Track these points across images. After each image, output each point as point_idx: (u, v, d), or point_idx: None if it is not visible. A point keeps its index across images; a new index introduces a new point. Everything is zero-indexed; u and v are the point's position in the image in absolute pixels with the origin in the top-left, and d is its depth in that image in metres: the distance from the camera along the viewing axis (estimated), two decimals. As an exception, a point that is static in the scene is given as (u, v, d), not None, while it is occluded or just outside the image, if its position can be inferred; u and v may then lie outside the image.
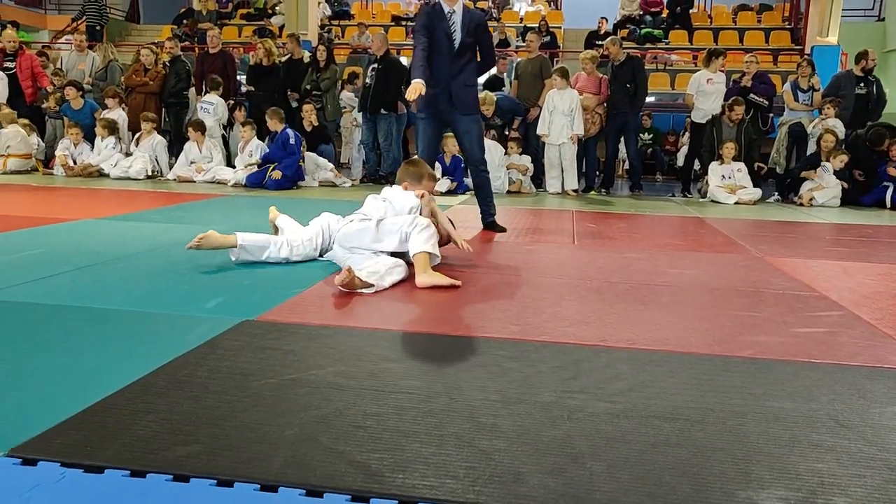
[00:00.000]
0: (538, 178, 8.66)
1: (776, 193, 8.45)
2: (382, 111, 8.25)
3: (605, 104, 8.22)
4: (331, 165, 8.40)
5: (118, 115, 8.75)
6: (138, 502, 1.33)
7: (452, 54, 4.74)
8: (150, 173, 8.31)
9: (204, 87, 8.84)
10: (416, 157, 4.20)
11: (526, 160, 8.37)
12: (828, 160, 7.77)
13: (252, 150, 8.08)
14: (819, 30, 12.55)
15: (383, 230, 3.34)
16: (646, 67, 8.65)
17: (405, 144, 8.80)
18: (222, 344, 2.25)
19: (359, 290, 2.98)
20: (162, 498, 1.34)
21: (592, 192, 8.43)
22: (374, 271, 3.10)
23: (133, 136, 8.77)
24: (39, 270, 3.20)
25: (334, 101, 8.65)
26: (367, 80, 8.20)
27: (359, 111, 8.47)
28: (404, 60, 9.06)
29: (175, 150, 8.75)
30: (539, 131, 8.11)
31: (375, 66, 8.15)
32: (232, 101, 8.89)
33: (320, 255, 3.65)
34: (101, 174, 8.34)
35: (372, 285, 3.01)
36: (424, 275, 3.17)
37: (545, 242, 4.69)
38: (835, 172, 7.75)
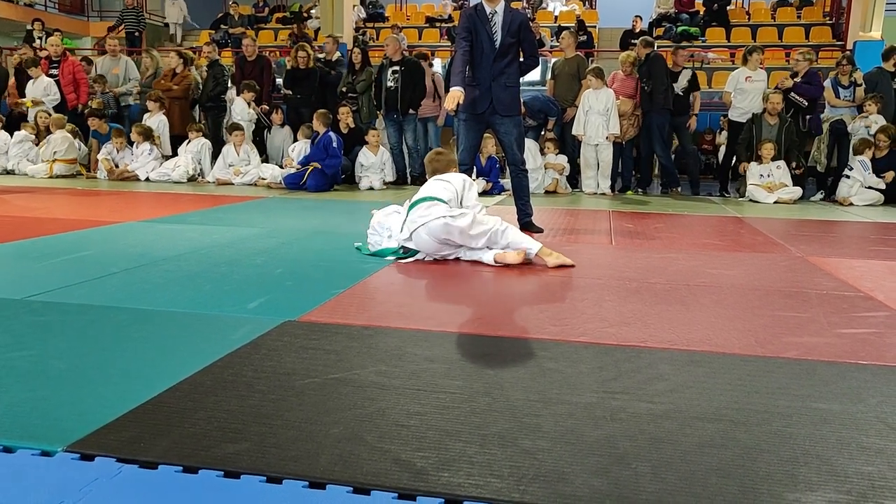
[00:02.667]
0: (574, 179, 8.62)
1: (821, 192, 8.28)
2: (410, 111, 8.31)
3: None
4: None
5: (159, 119, 8.92)
6: (192, 497, 1.36)
7: (494, 55, 4.75)
8: (191, 174, 8.47)
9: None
10: (440, 148, 4.38)
11: (562, 160, 8.34)
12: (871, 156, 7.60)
13: (300, 150, 8.21)
14: (862, 24, 12.28)
15: (470, 233, 3.66)
16: (685, 66, 8.45)
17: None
18: (265, 344, 2.29)
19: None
20: (214, 493, 1.38)
21: (629, 192, 8.37)
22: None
23: (168, 140, 8.96)
24: (89, 272, 3.29)
25: (369, 103, 8.71)
26: (390, 84, 8.24)
27: (384, 115, 8.51)
28: (438, 62, 9.06)
29: (213, 153, 8.89)
30: (574, 132, 8.08)
31: (397, 69, 8.19)
32: (266, 106, 9.01)
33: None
34: (138, 179, 8.51)
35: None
36: (551, 257, 3.67)
37: (583, 243, 4.67)
38: (876, 168, 7.57)
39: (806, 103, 8.08)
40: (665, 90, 7.96)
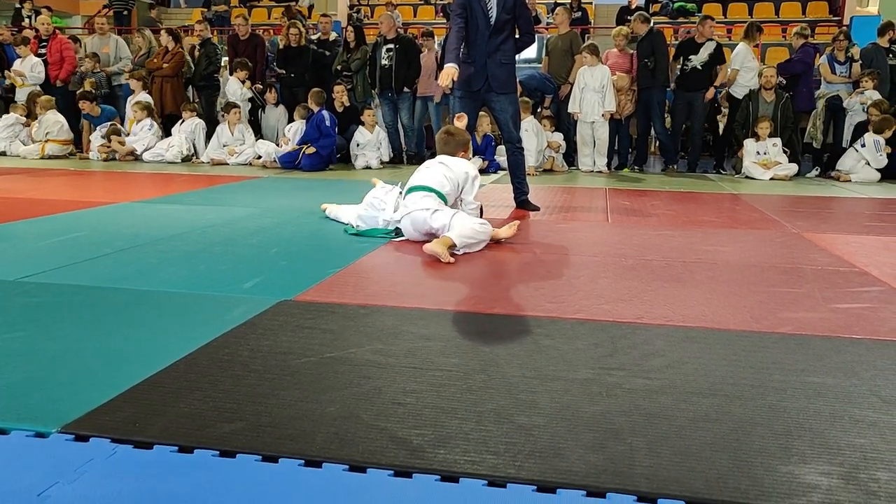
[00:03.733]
0: (570, 156, 8.60)
1: (817, 169, 8.26)
2: (405, 90, 8.24)
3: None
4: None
5: (142, 98, 8.85)
6: (188, 477, 1.36)
7: (490, 32, 4.71)
8: (185, 154, 8.41)
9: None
10: (452, 126, 4.26)
11: (558, 137, 8.31)
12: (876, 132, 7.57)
13: (296, 130, 8.15)
14: (859, -1, 12.21)
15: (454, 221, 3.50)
16: (709, 39, 8.22)
17: (428, 130, 8.74)
18: (261, 324, 2.28)
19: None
20: (210, 472, 1.38)
21: (626, 170, 8.35)
22: (467, 237, 3.39)
23: (160, 121, 8.89)
24: (82, 253, 3.28)
25: (364, 82, 8.64)
26: (384, 62, 8.16)
27: (378, 94, 8.44)
28: (436, 40, 8.97)
29: (207, 133, 8.82)
30: (570, 109, 8.03)
31: (392, 47, 8.12)
32: (260, 85, 8.93)
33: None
34: (136, 157, 8.45)
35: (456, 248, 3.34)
36: (435, 246, 3.26)
37: (579, 220, 4.66)
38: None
39: (784, 81, 8.02)
40: (667, 67, 7.90)
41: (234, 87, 8.71)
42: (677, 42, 9.11)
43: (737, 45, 8.52)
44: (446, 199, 3.68)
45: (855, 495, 1.32)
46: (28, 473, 1.36)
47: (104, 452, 1.44)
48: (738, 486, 1.34)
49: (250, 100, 8.89)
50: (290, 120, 8.55)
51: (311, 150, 7.62)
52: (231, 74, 8.86)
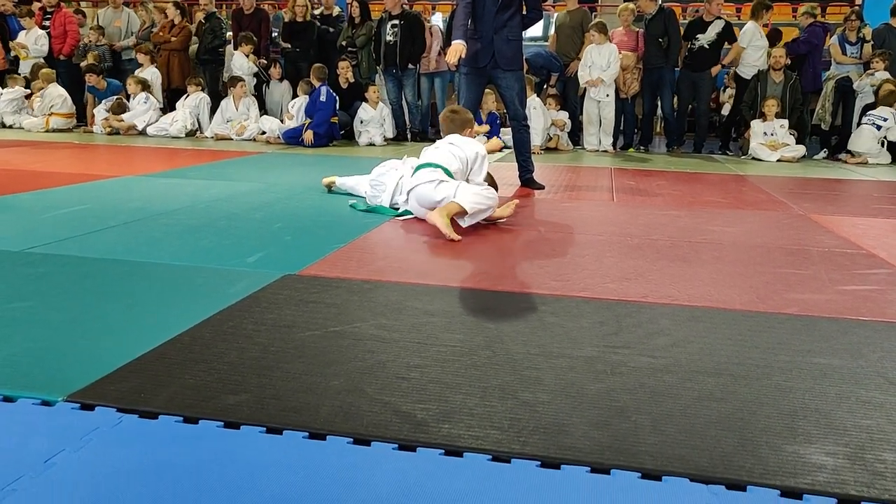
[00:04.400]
0: (576, 135, 8.54)
1: (824, 150, 8.20)
2: (410, 66, 8.17)
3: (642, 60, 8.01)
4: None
5: (150, 72, 8.81)
6: (192, 447, 1.36)
7: (497, 8, 4.65)
8: (189, 129, 8.38)
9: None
10: (455, 105, 4.23)
11: (563, 116, 8.25)
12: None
13: (300, 105, 8.10)
14: (871, -21, 12.04)
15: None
16: (717, 17, 8.11)
17: (433, 107, 8.67)
18: (265, 297, 2.28)
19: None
20: (214, 443, 1.38)
21: (631, 150, 8.30)
22: (475, 202, 3.35)
23: (164, 94, 8.84)
24: (87, 225, 3.27)
25: (369, 58, 8.56)
26: (389, 38, 8.08)
27: (383, 70, 8.36)
28: (439, 16, 8.88)
29: (211, 107, 8.78)
30: (582, 82, 7.89)
31: (397, 22, 8.04)
32: (264, 60, 8.86)
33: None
34: (138, 132, 8.42)
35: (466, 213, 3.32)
36: (438, 214, 3.25)
37: (584, 199, 4.64)
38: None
39: (788, 61, 7.93)
40: (679, 47, 7.83)
41: (241, 62, 8.65)
42: (686, 21, 9.00)
43: (745, 24, 8.42)
44: (454, 176, 3.58)
45: (860, 475, 1.32)
46: (34, 441, 1.36)
47: (110, 421, 1.44)
48: (744, 465, 1.34)
49: (255, 75, 8.83)
50: (295, 95, 8.50)
51: (309, 136, 7.56)
52: (235, 49, 8.79)
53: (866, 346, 1.99)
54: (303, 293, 2.33)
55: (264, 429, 1.44)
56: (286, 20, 8.94)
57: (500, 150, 3.88)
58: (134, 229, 3.26)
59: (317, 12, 9.23)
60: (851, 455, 1.38)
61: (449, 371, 1.73)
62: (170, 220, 3.46)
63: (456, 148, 3.70)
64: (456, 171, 3.59)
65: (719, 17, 7.92)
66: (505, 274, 2.71)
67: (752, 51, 7.98)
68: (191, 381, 1.63)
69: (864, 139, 7.54)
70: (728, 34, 7.87)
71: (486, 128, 7.20)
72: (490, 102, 7.70)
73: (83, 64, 9.06)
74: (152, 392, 1.57)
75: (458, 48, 4.46)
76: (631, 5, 8.19)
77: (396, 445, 1.39)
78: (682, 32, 7.96)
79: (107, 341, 1.88)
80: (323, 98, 7.62)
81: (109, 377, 1.64)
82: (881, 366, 1.84)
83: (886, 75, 7.74)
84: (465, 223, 3.36)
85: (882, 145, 7.51)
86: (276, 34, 9.44)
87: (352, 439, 1.41)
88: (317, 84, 7.74)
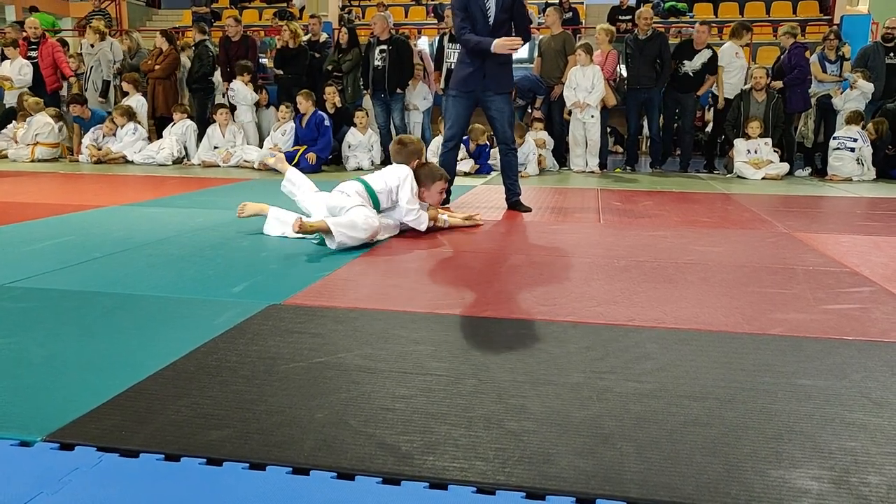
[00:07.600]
0: (562, 157, 8.59)
1: (808, 168, 8.28)
2: (398, 91, 8.23)
3: (615, 80, 8.16)
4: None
5: (136, 100, 8.81)
6: (174, 485, 1.35)
7: (488, 32, 4.70)
8: (175, 157, 8.38)
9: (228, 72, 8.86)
10: (405, 136, 4.40)
11: (543, 134, 8.33)
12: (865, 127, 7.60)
13: (287, 129, 8.10)
14: (849, -1, 12.24)
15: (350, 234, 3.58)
16: (669, 42, 8.40)
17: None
18: (250, 328, 2.27)
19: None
20: (196, 481, 1.37)
21: (617, 170, 8.35)
22: (343, 225, 3.51)
23: (151, 122, 8.85)
24: (71, 257, 3.25)
25: (355, 83, 8.61)
26: (378, 63, 8.14)
27: (371, 95, 8.41)
28: (424, 41, 8.96)
29: (198, 135, 8.79)
30: (569, 103, 7.96)
31: (385, 48, 8.10)
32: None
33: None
34: (126, 161, 8.41)
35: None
36: (310, 222, 3.50)
37: (571, 221, 4.66)
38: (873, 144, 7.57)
39: (780, 84, 8.02)
40: (670, 69, 7.97)
41: (244, 93, 8.59)
42: (675, 43, 9.14)
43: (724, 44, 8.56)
44: (376, 194, 3.85)
45: (846, 500, 1.31)
46: (12, 483, 1.34)
47: (90, 461, 1.42)
48: (729, 492, 1.33)
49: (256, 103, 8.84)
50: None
51: (313, 156, 7.63)
52: (223, 77, 8.79)
53: (850, 365, 2.00)
54: (288, 323, 2.32)
55: (247, 465, 1.42)
56: (279, 47, 8.97)
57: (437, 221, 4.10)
58: (118, 260, 3.24)
59: (304, 39, 9.29)
60: (836, 479, 1.38)
61: (434, 401, 1.72)
62: (155, 251, 3.45)
63: (383, 173, 4.00)
64: (380, 191, 3.88)
65: (708, 47, 8.08)
66: (492, 300, 2.70)
67: (730, 69, 8.08)
68: (173, 416, 1.62)
69: (844, 164, 7.65)
70: (712, 65, 8.06)
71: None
72: (479, 134, 7.72)
73: (70, 95, 9.08)
74: (133, 429, 1.55)
75: (504, 42, 4.57)
76: (608, 27, 8.31)
77: (380, 479, 1.38)
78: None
79: (88, 377, 1.86)
80: (327, 123, 7.82)
81: (90, 415, 1.62)
82: (864, 386, 1.85)
83: (869, 85, 7.84)
84: (331, 244, 3.51)
85: (861, 164, 7.60)
86: (263, 60, 9.49)
87: (336, 474, 1.39)
88: (310, 109, 7.80)
